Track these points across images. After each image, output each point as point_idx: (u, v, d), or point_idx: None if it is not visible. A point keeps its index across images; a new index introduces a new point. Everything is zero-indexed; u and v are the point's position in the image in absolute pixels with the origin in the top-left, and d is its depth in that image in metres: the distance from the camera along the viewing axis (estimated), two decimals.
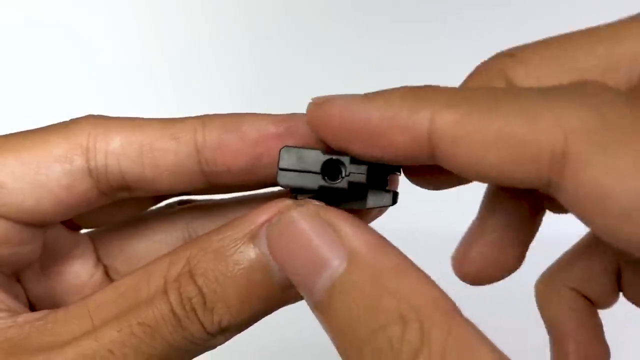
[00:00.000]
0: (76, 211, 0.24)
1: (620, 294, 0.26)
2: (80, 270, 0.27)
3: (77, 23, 0.61)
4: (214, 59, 0.62)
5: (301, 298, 0.21)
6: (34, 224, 0.24)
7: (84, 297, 0.22)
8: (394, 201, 0.23)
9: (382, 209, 0.27)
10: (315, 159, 0.22)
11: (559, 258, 0.27)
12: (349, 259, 0.19)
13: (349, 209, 0.23)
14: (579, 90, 0.18)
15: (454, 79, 0.66)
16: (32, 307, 0.26)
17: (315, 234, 0.19)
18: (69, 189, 0.23)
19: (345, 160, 0.22)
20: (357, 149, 0.20)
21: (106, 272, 0.28)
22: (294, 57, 0.62)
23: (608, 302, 0.26)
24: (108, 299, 0.21)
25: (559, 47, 0.21)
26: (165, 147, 0.23)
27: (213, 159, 0.23)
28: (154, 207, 0.28)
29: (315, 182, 0.22)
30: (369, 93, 0.20)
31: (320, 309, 0.19)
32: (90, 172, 0.23)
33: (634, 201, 0.16)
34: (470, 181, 0.21)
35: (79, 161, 0.23)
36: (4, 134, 0.24)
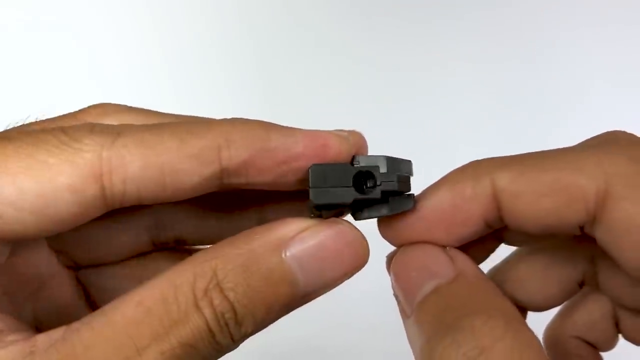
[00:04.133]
0: (70, 228, 0.22)
1: (620, 335, 0.28)
2: (36, 260, 0.25)
3: (81, 25, 0.61)
4: (219, 59, 0.62)
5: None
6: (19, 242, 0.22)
7: (105, 311, 0.21)
8: (415, 205, 0.23)
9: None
10: (346, 172, 0.22)
11: (560, 310, 0.29)
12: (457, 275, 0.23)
13: (372, 217, 0.24)
14: (614, 143, 0.22)
15: (457, 78, 0.67)
16: None
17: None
18: (77, 216, 0.21)
19: (375, 170, 0.22)
20: (443, 236, 0.24)
21: (57, 259, 0.26)
22: (298, 58, 0.62)
23: (610, 345, 0.28)
24: (137, 316, 0.20)
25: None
26: (189, 169, 0.21)
27: (237, 175, 0.22)
28: None
29: (349, 195, 0.22)
30: (426, 189, 0.24)
31: (417, 307, 0.22)
32: (105, 199, 0.21)
33: None
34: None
35: (91, 191, 0.21)
36: None
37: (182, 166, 0.21)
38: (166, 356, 0.20)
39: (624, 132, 0.23)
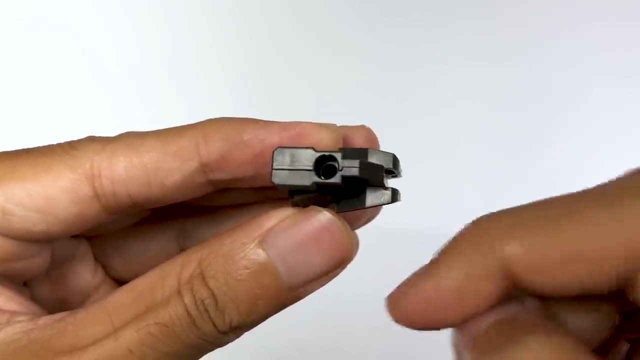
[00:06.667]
0: (86, 229, 0.25)
1: None
2: (82, 271, 0.27)
3: (81, 25, 0.61)
4: (219, 59, 0.62)
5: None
6: (44, 241, 0.24)
7: (102, 299, 0.22)
8: (394, 199, 0.23)
9: (377, 210, 0.27)
10: (308, 156, 0.22)
11: None
12: None
13: (349, 209, 0.23)
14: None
15: (458, 76, 0.67)
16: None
17: None
18: (78, 215, 0.23)
19: (338, 155, 0.21)
20: (454, 319, 0.19)
21: (105, 271, 0.28)
22: (299, 57, 0.62)
23: None
24: (126, 300, 0.22)
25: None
26: (170, 167, 0.23)
27: (218, 170, 0.23)
28: None
29: (309, 179, 0.22)
30: (429, 265, 0.20)
31: None
32: (99, 198, 0.23)
33: None
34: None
35: (85, 190, 0.23)
36: (3, 152, 0.24)
37: (164, 164, 0.23)
38: (140, 333, 0.21)
39: None
